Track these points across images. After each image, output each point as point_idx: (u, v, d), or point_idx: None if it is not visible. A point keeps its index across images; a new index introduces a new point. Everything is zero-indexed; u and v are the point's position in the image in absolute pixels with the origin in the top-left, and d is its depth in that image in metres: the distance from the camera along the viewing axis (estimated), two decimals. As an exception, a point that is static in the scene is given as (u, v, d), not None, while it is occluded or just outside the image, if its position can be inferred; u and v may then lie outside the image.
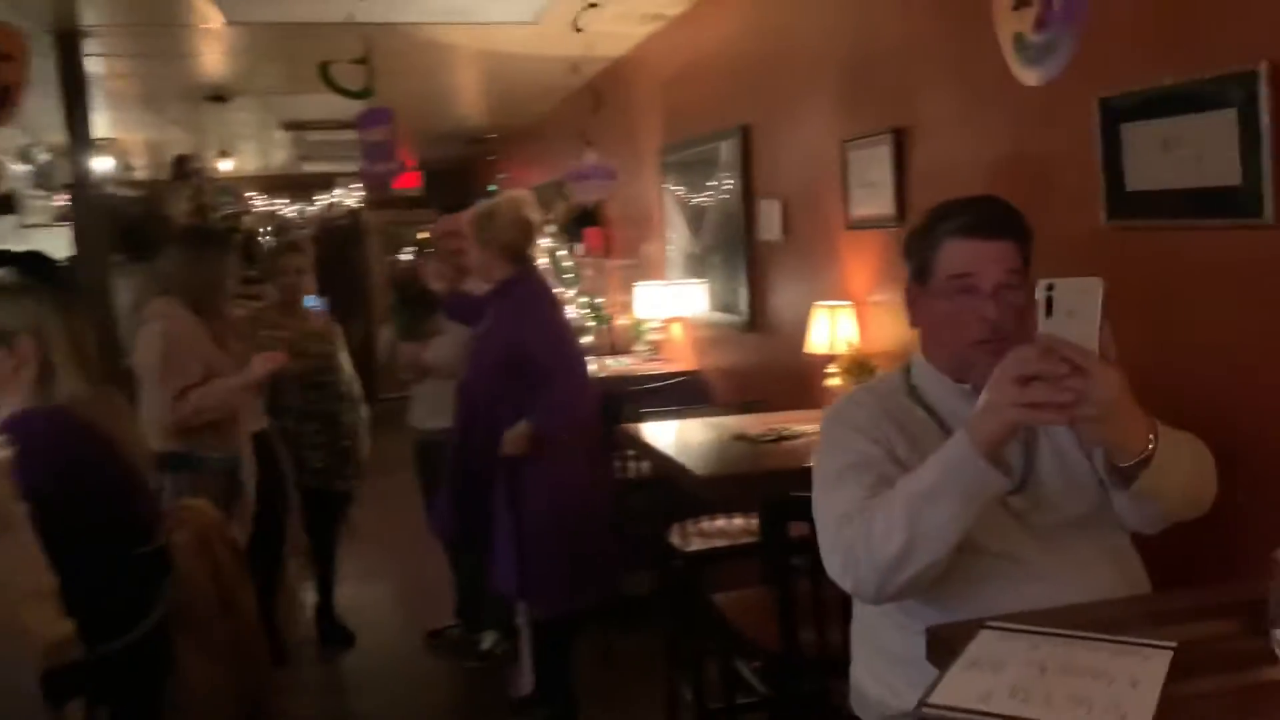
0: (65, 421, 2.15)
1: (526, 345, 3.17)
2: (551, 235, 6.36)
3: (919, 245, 1.68)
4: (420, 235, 6.03)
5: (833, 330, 3.00)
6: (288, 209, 11.20)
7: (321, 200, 11.29)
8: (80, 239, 4.17)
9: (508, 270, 3.29)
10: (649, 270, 5.18)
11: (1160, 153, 1.86)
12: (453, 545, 4.18)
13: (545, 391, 3.15)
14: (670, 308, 4.72)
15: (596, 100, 3.92)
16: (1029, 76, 1.95)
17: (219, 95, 5.94)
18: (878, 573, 1.49)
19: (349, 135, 8.54)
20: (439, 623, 4.40)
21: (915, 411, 1.71)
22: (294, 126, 7.49)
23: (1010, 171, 2.32)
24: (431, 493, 4.16)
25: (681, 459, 2.71)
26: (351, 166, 10.78)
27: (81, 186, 4.17)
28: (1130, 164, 1.94)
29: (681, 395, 4.33)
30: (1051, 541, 1.62)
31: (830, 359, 3.03)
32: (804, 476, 2.70)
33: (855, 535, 1.52)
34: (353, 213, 11.40)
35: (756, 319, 3.90)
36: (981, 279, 1.60)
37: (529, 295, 3.27)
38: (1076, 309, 1.32)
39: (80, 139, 4.18)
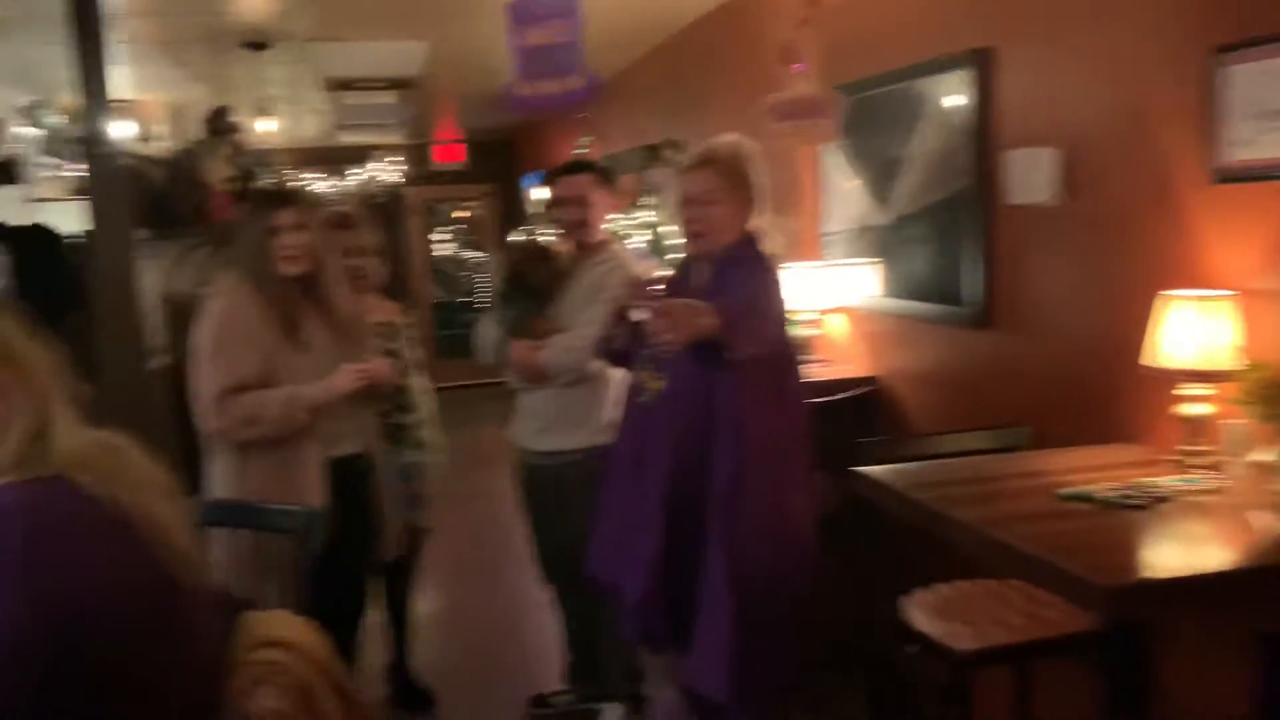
0: (70, 507, 1.24)
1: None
2: (655, 208, 5.43)
3: None
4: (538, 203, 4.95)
5: (1203, 333, 2.01)
6: (321, 184, 10.23)
7: (356, 175, 10.33)
8: (99, 211, 3.23)
9: (741, 233, 2.41)
10: (795, 248, 4.19)
11: None
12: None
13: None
14: (834, 296, 3.75)
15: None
16: None
17: (257, 41, 4.97)
18: None
19: (388, 98, 7.67)
20: (544, 686, 3.53)
21: None
22: (336, 86, 6.52)
23: None
24: (554, 534, 3.27)
25: (1033, 549, 1.72)
26: (390, 137, 9.91)
27: (97, 145, 3.22)
28: None
29: (861, 413, 3.37)
30: None
31: (1199, 375, 2.04)
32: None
33: None
34: (391, 189, 10.43)
35: (996, 311, 2.91)
36: None
37: (769, 266, 2.38)
38: None
39: (95, 88, 3.24)
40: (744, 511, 2.30)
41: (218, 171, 3.61)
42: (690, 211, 2.49)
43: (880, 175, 3.50)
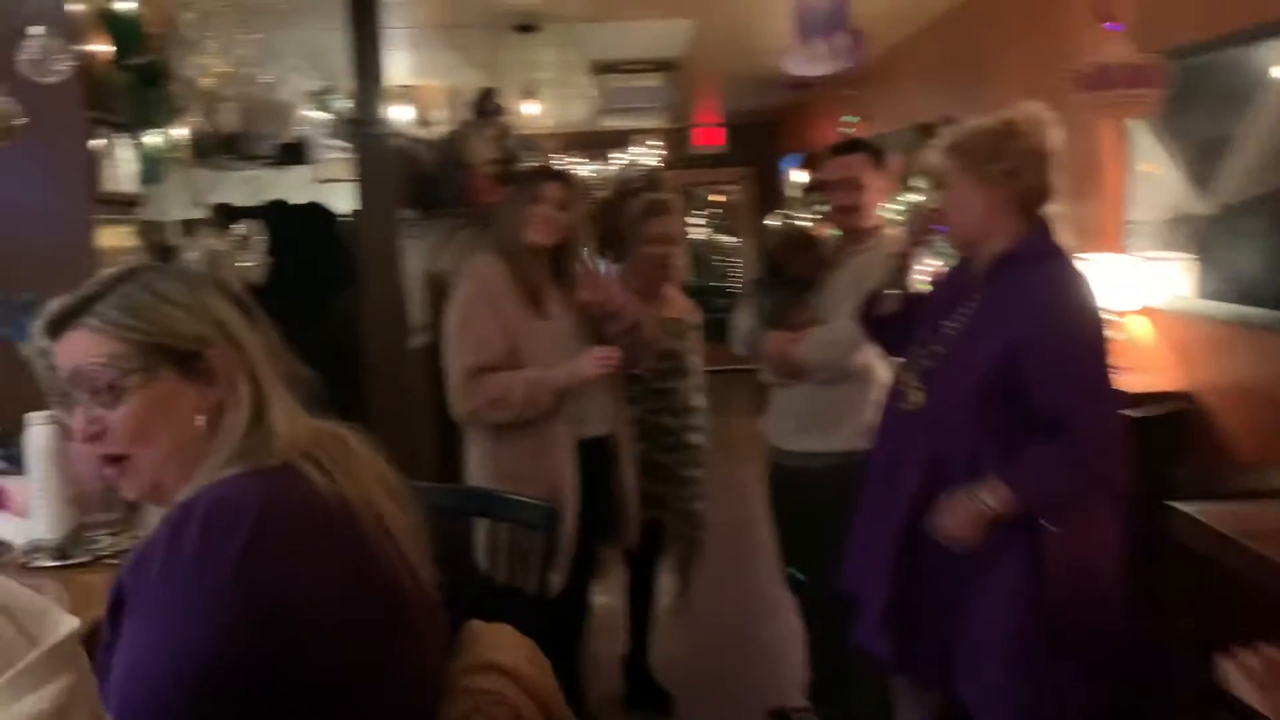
0: (299, 502, 1.15)
1: (1043, 351, 1.95)
2: (924, 191, 5.06)
3: None
4: (806, 185, 4.73)
5: None
6: (584, 169, 10.41)
7: (618, 160, 10.42)
8: (365, 190, 3.31)
9: (1016, 228, 2.06)
10: (1092, 237, 3.72)
11: None
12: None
13: (1057, 437, 1.92)
14: (1138, 295, 3.28)
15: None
16: None
17: (527, 24, 5.02)
18: None
19: (652, 81, 7.64)
20: (785, 698, 3.33)
21: None
22: (603, 68, 6.53)
23: None
24: (802, 541, 3.07)
25: None
26: (652, 121, 9.93)
27: (366, 127, 3.29)
28: None
29: (1169, 433, 2.92)
30: None
31: None
32: None
33: None
34: (650, 173, 10.44)
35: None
36: None
37: (1055, 274, 2.03)
38: None
39: (366, 71, 3.30)
40: (1039, 574, 1.98)
41: (481, 153, 3.61)
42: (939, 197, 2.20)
43: (1200, 157, 3.01)
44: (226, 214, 3.36)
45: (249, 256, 1.99)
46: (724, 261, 11.21)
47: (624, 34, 5.53)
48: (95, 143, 1.95)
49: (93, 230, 1.91)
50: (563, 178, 2.77)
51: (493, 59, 5.92)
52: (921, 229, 2.35)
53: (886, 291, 2.40)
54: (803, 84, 7.58)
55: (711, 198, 11.36)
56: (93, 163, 1.95)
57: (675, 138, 10.44)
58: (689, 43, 5.77)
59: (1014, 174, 2.05)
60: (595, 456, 2.81)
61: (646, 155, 10.26)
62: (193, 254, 1.94)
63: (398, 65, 6.78)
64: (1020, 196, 2.06)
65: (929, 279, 2.42)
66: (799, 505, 3.04)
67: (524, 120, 5.60)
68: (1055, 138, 2.08)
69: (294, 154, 4.90)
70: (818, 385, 2.90)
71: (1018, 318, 1.99)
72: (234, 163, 5.00)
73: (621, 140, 10.39)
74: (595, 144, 10.52)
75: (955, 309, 2.13)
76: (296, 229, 3.38)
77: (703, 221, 11.33)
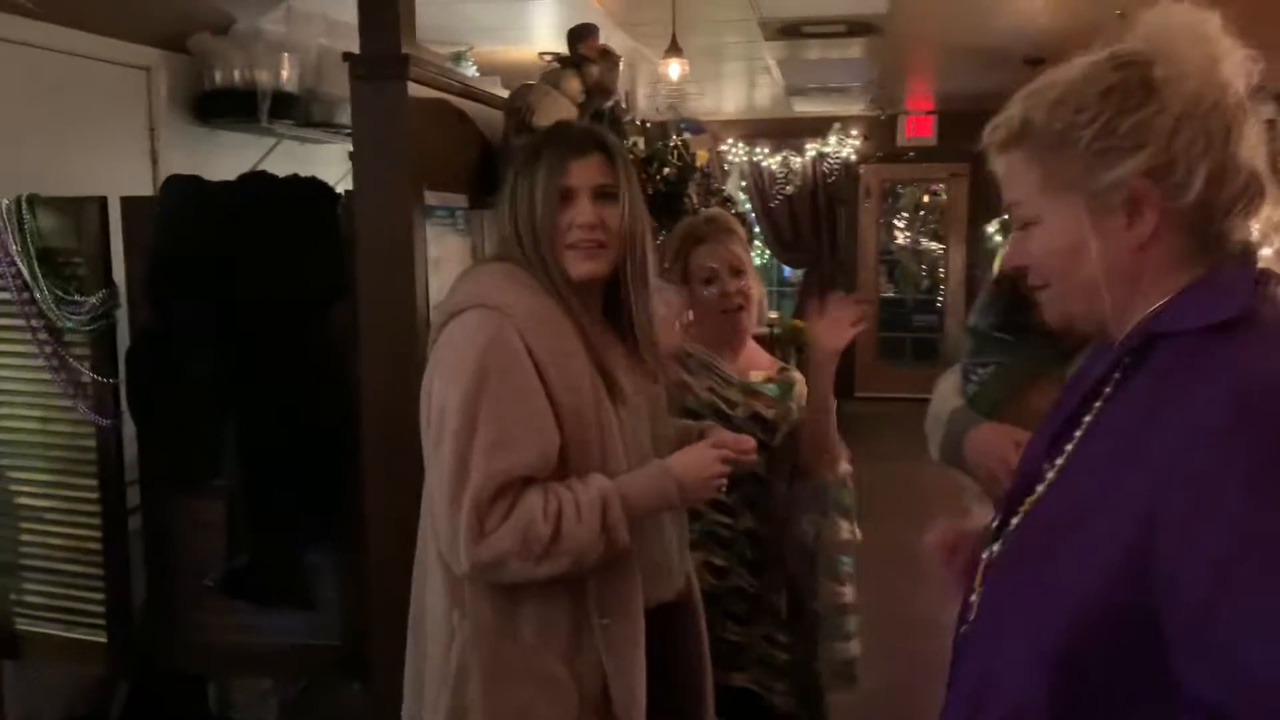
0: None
1: (1199, 544, 0.81)
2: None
3: None
4: None
5: None
6: (769, 160, 9.10)
7: (812, 150, 9.06)
8: (365, 162, 2.22)
9: (1159, 280, 0.95)
10: None
11: None
12: None
13: None
14: None
15: None
16: None
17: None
18: None
19: (852, 50, 6.27)
20: None
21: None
22: (781, 31, 5.27)
23: None
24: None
25: None
26: (850, 106, 8.53)
27: (369, 65, 2.19)
28: None
29: None
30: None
31: None
32: None
33: None
34: (846, 167, 9.01)
35: None
36: None
37: (1246, 368, 0.85)
38: None
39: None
40: None
41: (553, 113, 2.47)
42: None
43: None
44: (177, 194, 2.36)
45: None
46: (929, 271, 9.72)
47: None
48: None
49: None
50: (604, 148, 1.54)
51: (638, 17, 4.80)
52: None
53: None
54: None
55: (924, 197, 9.86)
56: None
57: (873, 127, 9.02)
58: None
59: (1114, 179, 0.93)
60: (658, 632, 1.57)
61: (840, 146, 8.84)
62: None
63: (543, 29, 5.80)
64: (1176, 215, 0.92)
65: None
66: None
67: (674, 82, 4.40)
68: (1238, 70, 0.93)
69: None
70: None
71: (1156, 470, 0.84)
72: (295, 130, 4.03)
73: (817, 129, 8.97)
74: (784, 133, 9.17)
75: (1056, 442, 1.00)
76: (281, 214, 2.32)
77: (903, 224, 9.82)
